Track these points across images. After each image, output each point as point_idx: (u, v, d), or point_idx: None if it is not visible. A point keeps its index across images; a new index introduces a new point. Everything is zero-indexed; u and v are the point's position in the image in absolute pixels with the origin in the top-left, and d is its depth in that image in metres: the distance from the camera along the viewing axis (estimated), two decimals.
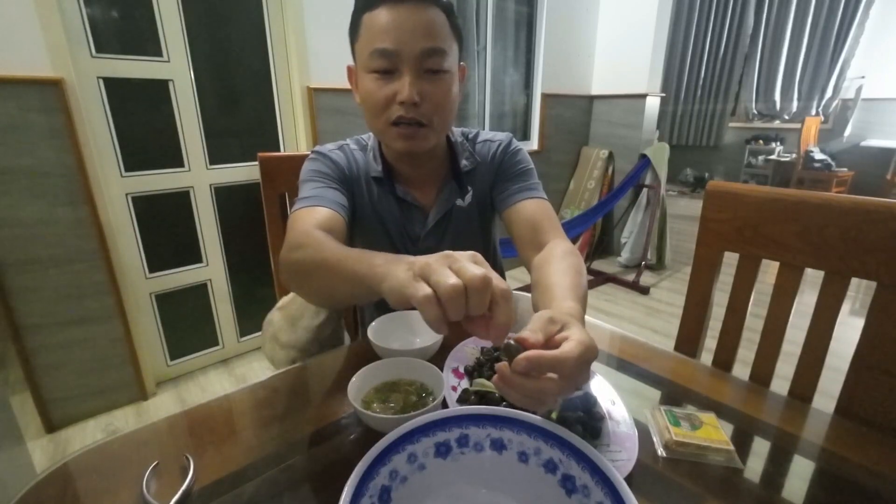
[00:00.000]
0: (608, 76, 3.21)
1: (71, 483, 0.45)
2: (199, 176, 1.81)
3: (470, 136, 0.89)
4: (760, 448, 0.51)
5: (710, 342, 0.79)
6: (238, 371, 1.96)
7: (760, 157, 5.42)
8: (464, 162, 0.84)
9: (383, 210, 0.82)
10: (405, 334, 0.70)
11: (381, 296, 0.41)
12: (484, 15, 2.66)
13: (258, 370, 1.98)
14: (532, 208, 0.79)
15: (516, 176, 0.84)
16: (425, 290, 0.34)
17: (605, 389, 0.57)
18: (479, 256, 0.38)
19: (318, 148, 0.82)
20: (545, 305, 0.54)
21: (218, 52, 1.78)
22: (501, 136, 0.89)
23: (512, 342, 0.37)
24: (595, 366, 0.65)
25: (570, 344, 0.37)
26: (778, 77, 5.08)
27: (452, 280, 0.34)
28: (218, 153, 1.84)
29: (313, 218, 0.67)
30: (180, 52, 1.66)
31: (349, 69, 0.77)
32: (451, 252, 0.37)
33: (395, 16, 0.65)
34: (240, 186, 1.93)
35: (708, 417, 0.52)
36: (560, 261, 0.64)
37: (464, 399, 0.52)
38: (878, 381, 0.62)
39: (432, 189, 0.84)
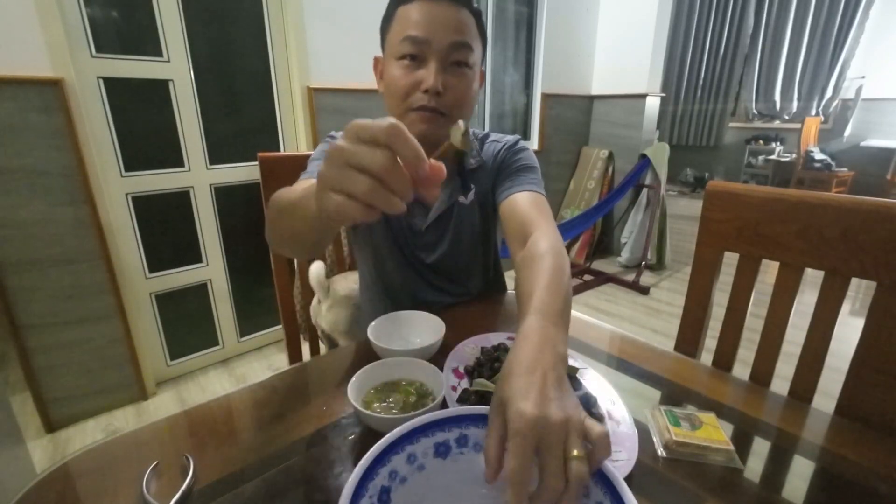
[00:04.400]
0: (608, 76, 3.21)
1: (71, 483, 0.45)
2: (199, 176, 1.81)
3: (479, 136, 0.90)
4: (760, 448, 0.51)
5: (710, 342, 0.79)
6: (238, 371, 1.97)
7: (760, 157, 5.42)
8: (470, 160, 0.86)
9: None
10: (405, 334, 0.70)
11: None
12: (484, 15, 2.66)
13: (258, 370, 1.98)
14: (524, 199, 0.76)
15: (516, 171, 0.83)
16: (332, 200, 0.33)
17: (605, 389, 0.57)
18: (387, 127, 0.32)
19: (334, 133, 0.85)
20: (519, 319, 0.48)
21: (218, 52, 1.78)
22: (509, 138, 0.89)
23: None
24: (595, 366, 0.65)
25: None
26: (778, 77, 5.08)
27: (361, 186, 0.32)
28: (218, 153, 1.84)
29: (304, 184, 0.65)
30: (180, 52, 1.66)
31: (376, 59, 0.82)
32: (344, 146, 0.33)
33: (429, 10, 0.71)
34: (240, 186, 1.93)
35: (708, 417, 0.52)
36: (539, 262, 0.58)
37: (464, 399, 0.52)
38: (878, 381, 0.62)
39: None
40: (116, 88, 1.56)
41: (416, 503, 0.36)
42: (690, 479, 0.45)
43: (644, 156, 2.92)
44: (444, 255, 0.87)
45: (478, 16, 0.76)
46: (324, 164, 0.34)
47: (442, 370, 0.55)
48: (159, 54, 1.63)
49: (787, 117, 5.22)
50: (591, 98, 3.33)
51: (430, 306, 0.76)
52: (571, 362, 0.61)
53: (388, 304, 0.91)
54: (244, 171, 1.92)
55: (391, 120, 0.32)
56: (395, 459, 0.36)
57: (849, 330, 0.72)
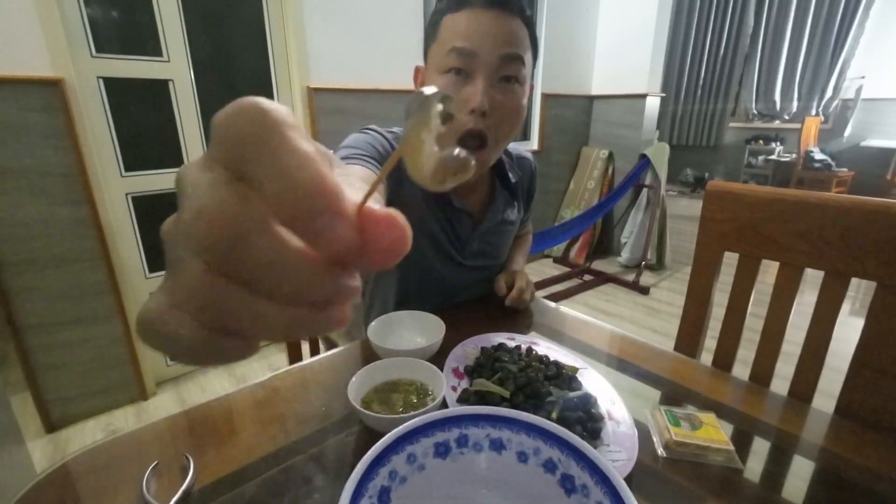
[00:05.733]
0: (608, 76, 3.21)
1: (71, 483, 0.45)
2: None
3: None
4: (760, 448, 0.51)
5: (710, 342, 0.79)
6: (238, 371, 1.96)
7: (760, 157, 5.42)
8: (511, 174, 0.87)
9: (430, 215, 0.80)
10: (405, 334, 0.70)
11: None
12: None
13: (258, 370, 1.97)
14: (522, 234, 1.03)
15: (531, 198, 0.98)
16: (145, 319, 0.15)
17: (605, 389, 0.57)
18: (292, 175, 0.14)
19: (374, 126, 0.76)
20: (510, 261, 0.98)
21: (218, 52, 1.78)
22: (527, 153, 0.96)
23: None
24: (595, 365, 0.65)
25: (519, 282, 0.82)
26: (778, 77, 5.08)
27: (184, 285, 0.14)
28: None
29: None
30: (180, 52, 1.66)
31: (417, 69, 0.76)
32: (194, 209, 0.14)
33: (479, 20, 0.65)
34: None
35: (708, 417, 0.52)
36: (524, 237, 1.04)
37: (464, 399, 0.52)
38: (878, 381, 0.62)
39: (477, 196, 0.85)
40: (116, 88, 1.56)
41: (416, 503, 0.36)
42: (690, 479, 0.45)
43: (644, 156, 2.92)
44: (482, 263, 0.89)
45: (530, 25, 0.70)
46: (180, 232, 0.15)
47: (442, 370, 0.55)
48: (159, 54, 1.63)
49: (787, 117, 5.22)
50: (591, 98, 3.32)
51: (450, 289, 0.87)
52: (571, 362, 0.61)
53: (396, 284, 0.87)
54: None
55: (257, 102, 0.14)
56: (395, 459, 0.36)
57: (849, 330, 0.72)
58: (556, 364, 0.58)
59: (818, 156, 4.55)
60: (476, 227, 0.84)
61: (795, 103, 5.09)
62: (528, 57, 0.69)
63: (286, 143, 0.13)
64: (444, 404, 0.51)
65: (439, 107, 0.17)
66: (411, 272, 0.83)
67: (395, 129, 0.80)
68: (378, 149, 0.70)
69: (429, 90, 0.16)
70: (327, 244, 0.14)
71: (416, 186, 0.73)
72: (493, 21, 0.65)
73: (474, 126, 0.67)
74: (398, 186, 0.74)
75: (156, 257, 1.77)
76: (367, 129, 0.75)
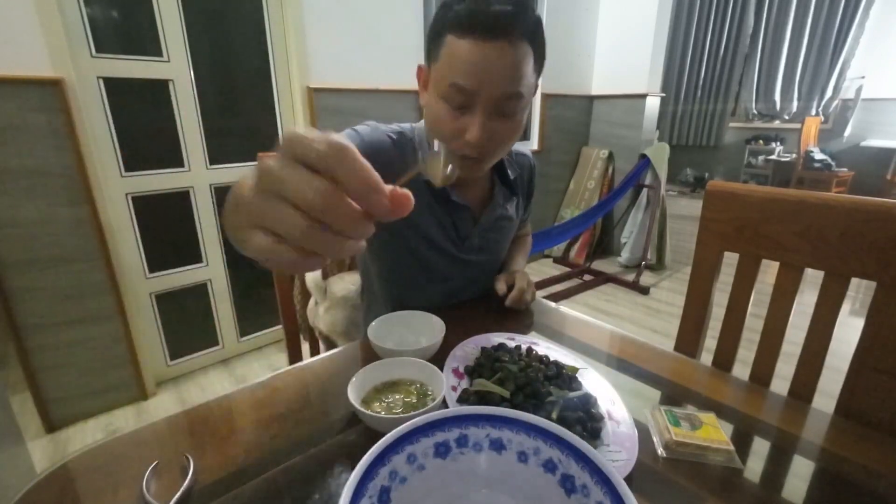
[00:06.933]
0: (608, 76, 3.21)
1: (71, 483, 0.45)
2: (199, 176, 1.81)
3: None
4: (760, 448, 0.51)
5: (710, 342, 0.79)
6: (238, 371, 1.96)
7: (760, 157, 5.42)
8: (510, 171, 0.88)
9: (428, 211, 0.81)
10: (405, 334, 0.70)
11: None
12: None
13: (258, 370, 1.97)
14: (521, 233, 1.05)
15: (530, 196, 1.00)
16: (255, 241, 0.26)
17: (605, 389, 0.57)
18: (322, 144, 0.24)
19: (372, 122, 0.78)
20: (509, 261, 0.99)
21: (218, 52, 1.78)
22: (525, 150, 0.97)
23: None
24: (595, 365, 0.65)
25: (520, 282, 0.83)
26: (778, 77, 5.08)
27: (292, 226, 0.25)
28: (218, 153, 1.84)
29: None
30: (180, 52, 1.66)
31: (420, 68, 0.75)
32: (273, 168, 0.25)
33: (483, 52, 0.62)
34: None
35: (708, 417, 0.52)
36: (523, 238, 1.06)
37: (464, 399, 0.52)
38: (878, 381, 0.62)
39: (476, 191, 0.86)
40: (116, 88, 1.56)
41: (416, 503, 0.36)
42: (690, 479, 0.45)
43: (644, 156, 2.92)
44: (481, 259, 0.89)
45: (537, 43, 0.67)
46: (249, 188, 0.27)
47: (442, 370, 0.55)
48: (159, 54, 1.62)
49: (787, 117, 5.22)
50: (591, 98, 3.32)
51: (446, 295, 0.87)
52: (571, 362, 0.61)
53: (397, 288, 0.88)
54: (244, 172, 1.92)
55: (333, 138, 0.24)
56: (395, 459, 0.36)
57: (849, 330, 0.72)
58: (556, 364, 0.58)
59: (818, 156, 4.55)
60: (476, 222, 0.86)
61: (795, 103, 5.09)
62: (528, 85, 0.68)
63: (358, 163, 0.24)
64: (444, 404, 0.51)
65: (442, 157, 0.35)
66: (410, 268, 0.84)
67: (402, 126, 0.83)
68: (365, 139, 0.75)
69: (441, 152, 0.36)
70: (374, 208, 0.25)
71: (413, 186, 0.75)
72: (498, 55, 0.62)
73: (469, 154, 0.69)
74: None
75: (155, 257, 1.77)
76: (364, 124, 0.78)
